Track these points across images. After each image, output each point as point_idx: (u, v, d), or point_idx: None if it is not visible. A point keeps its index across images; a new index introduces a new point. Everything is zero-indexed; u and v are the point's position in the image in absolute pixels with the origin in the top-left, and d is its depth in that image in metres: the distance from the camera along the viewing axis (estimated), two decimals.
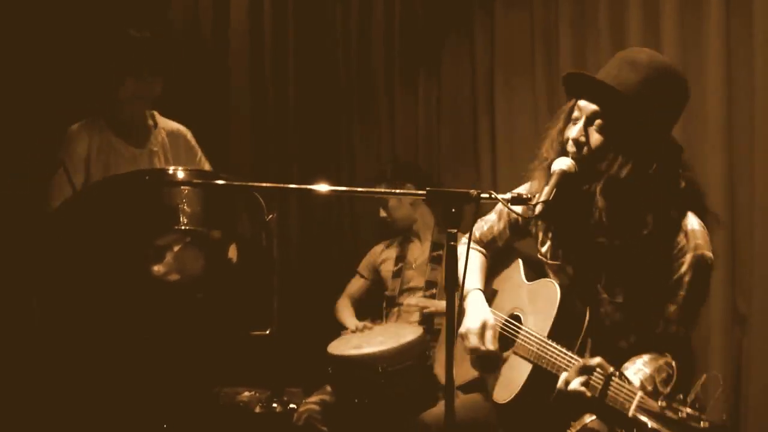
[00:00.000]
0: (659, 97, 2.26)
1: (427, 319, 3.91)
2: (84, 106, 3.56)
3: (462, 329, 2.50)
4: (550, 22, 4.08)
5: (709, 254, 2.31)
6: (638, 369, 2.25)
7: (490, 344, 2.46)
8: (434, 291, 4.01)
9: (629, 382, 2.07)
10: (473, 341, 2.47)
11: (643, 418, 1.94)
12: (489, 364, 2.49)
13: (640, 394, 1.98)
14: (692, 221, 2.32)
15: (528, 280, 2.56)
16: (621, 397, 2.02)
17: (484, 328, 2.48)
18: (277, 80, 4.88)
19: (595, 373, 2.10)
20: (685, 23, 3.62)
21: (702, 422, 1.87)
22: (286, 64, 4.88)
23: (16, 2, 4.06)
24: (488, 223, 2.69)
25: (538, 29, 4.13)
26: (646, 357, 2.28)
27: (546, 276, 2.52)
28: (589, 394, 2.09)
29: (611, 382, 2.06)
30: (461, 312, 2.54)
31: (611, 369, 2.10)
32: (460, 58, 4.47)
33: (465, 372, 2.57)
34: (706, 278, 2.33)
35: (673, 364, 2.29)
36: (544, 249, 2.53)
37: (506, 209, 2.58)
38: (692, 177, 2.37)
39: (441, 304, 3.85)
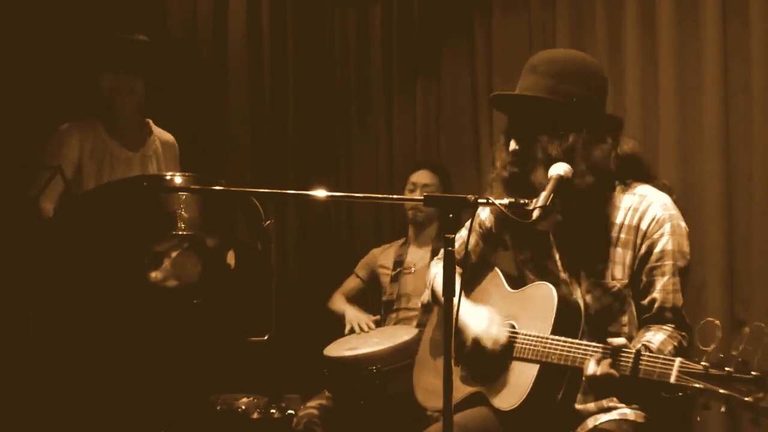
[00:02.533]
0: (574, 83, 2.33)
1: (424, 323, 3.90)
2: (79, 106, 3.56)
3: (473, 334, 2.43)
4: (547, 26, 4.09)
5: (684, 224, 2.34)
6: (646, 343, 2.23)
7: (503, 337, 2.40)
8: None
9: (660, 352, 2.05)
10: (489, 343, 2.40)
11: (689, 381, 1.94)
12: (494, 369, 2.42)
13: (679, 359, 1.98)
14: (659, 195, 2.35)
15: (513, 289, 2.53)
16: (657, 368, 2.01)
17: (491, 323, 2.43)
18: (275, 86, 4.88)
19: (622, 354, 2.09)
20: (681, 26, 3.62)
21: (752, 372, 1.86)
22: (285, 69, 4.88)
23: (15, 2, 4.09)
24: (459, 240, 2.59)
25: (536, 32, 4.13)
26: (650, 333, 2.27)
27: (528, 279, 2.51)
28: (618, 374, 2.08)
29: (641, 358, 2.05)
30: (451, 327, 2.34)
31: (638, 346, 2.10)
32: (458, 62, 4.47)
33: (455, 390, 2.40)
34: (687, 244, 2.34)
35: (682, 332, 2.29)
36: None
37: (478, 222, 2.58)
38: (635, 146, 2.41)
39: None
